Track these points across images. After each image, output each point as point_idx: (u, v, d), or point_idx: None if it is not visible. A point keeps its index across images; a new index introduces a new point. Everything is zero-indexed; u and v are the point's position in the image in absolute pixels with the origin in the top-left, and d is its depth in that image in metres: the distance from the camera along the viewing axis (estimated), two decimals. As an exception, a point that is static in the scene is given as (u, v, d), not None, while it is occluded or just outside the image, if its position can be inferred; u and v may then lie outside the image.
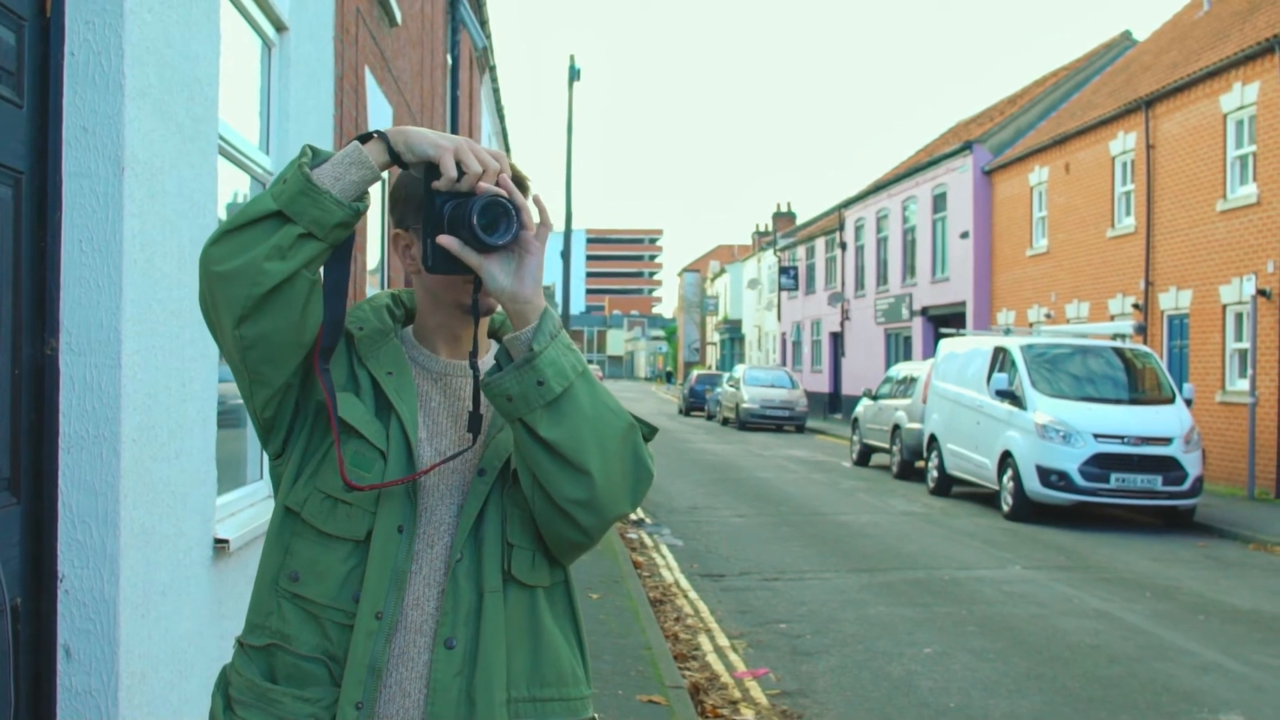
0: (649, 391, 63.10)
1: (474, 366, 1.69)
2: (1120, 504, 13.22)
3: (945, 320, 27.78)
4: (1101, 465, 12.90)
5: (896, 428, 18.36)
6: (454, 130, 12.35)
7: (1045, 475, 13.07)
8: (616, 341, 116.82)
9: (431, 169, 1.60)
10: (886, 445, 19.07)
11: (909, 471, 17.97)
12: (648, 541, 11.12)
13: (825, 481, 17.39)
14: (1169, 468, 12.89)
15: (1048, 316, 23.50)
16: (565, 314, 24.91)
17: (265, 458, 1.91)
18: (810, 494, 15.62)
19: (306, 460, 1.70)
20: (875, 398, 20.13)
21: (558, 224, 27.06)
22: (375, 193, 6.16)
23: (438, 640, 1.64)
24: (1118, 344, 15.08)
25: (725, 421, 32.62)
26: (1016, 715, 5.87)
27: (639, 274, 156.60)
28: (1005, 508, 13.72)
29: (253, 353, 1.62)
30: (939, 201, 29.11)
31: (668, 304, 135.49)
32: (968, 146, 27.32)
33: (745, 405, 30.24)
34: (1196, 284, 18.25)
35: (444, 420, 1.74)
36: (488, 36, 17.77)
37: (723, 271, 65.74)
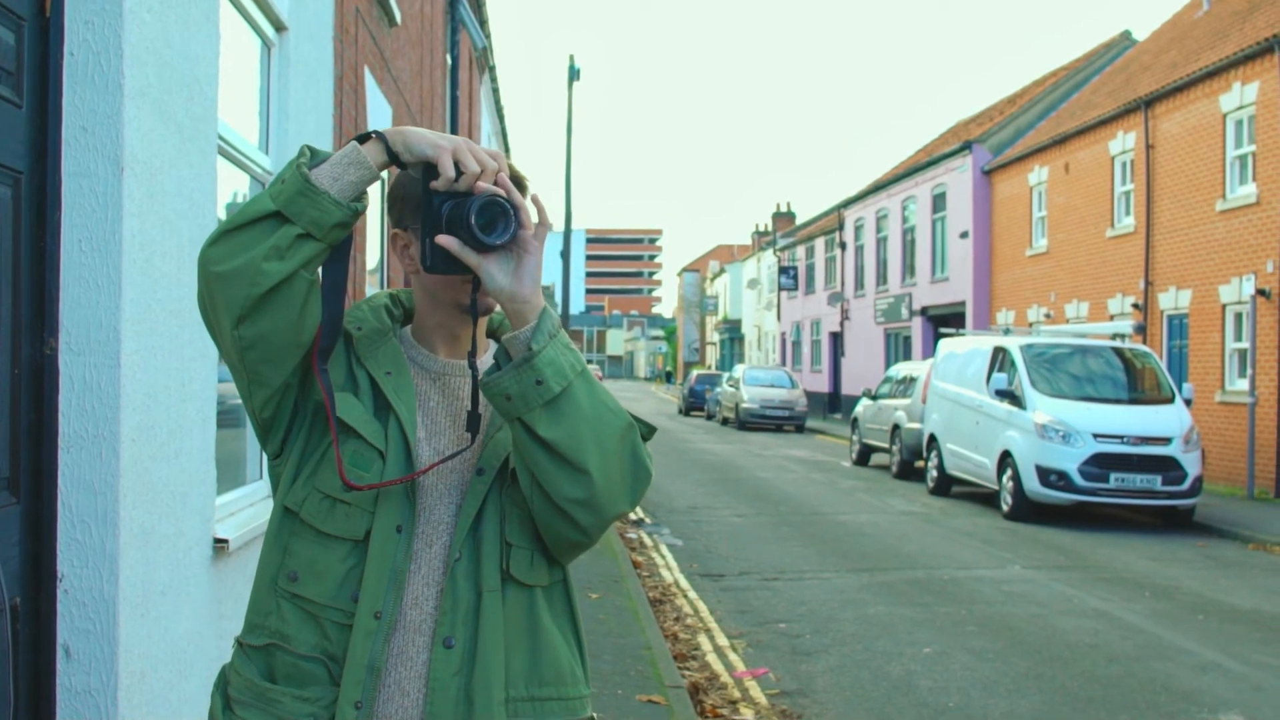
0: (648, 391, 63.09)
1: (473, 366, 1.69)
2: (1120, 504, 13.22)
3: (945, 320, 27.79)
4: (1101, 465, 12.91)
5: (896, 427, 18.36)
6: (454, 130, 12.36)
7: (1045, 475, 13.07)
8: (616, 341, 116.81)
9: (430, 169, 1.60)
10: (886, 445, 19.07)
11: (908, 471, 17.97)
12: (647, 541, 11.12)
13: (825, 481, 17.39)
14: (1168, 467, 12.89)
15: (1047, 316, 23.51)
16: (565, 314, 24.91)
17: (264, 457, 1.91)
18: (810, 494, 15.62)
19: (305, 460, 1.70)
20: (875, 397, 20.13)
21: (557, 224, 27.08)
22: (375, 193, 6.16)
23: (436, 639, 1.64)
24: (1117, 344, 15.07)
25: (725, 421, 32.63)
26: (1016, 715, 5.87)
27: (639, 274, 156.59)
28: (1005, 507, 13.72)
29: (251, 353, 1.62)
30: (939, 201, 29.12)
31: (667, 304, 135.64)
32: (967, 146, 27.33)
33: (745, 405, 30.25)
34: (1196, 284, 18.26)
35: (442, 420, 1.75)
36: (487, 36, 17.77)
37: (722, 271, 65.75)
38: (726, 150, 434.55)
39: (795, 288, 42.09)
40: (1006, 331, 16.47)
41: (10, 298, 2.48)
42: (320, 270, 1.66)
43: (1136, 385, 14.25)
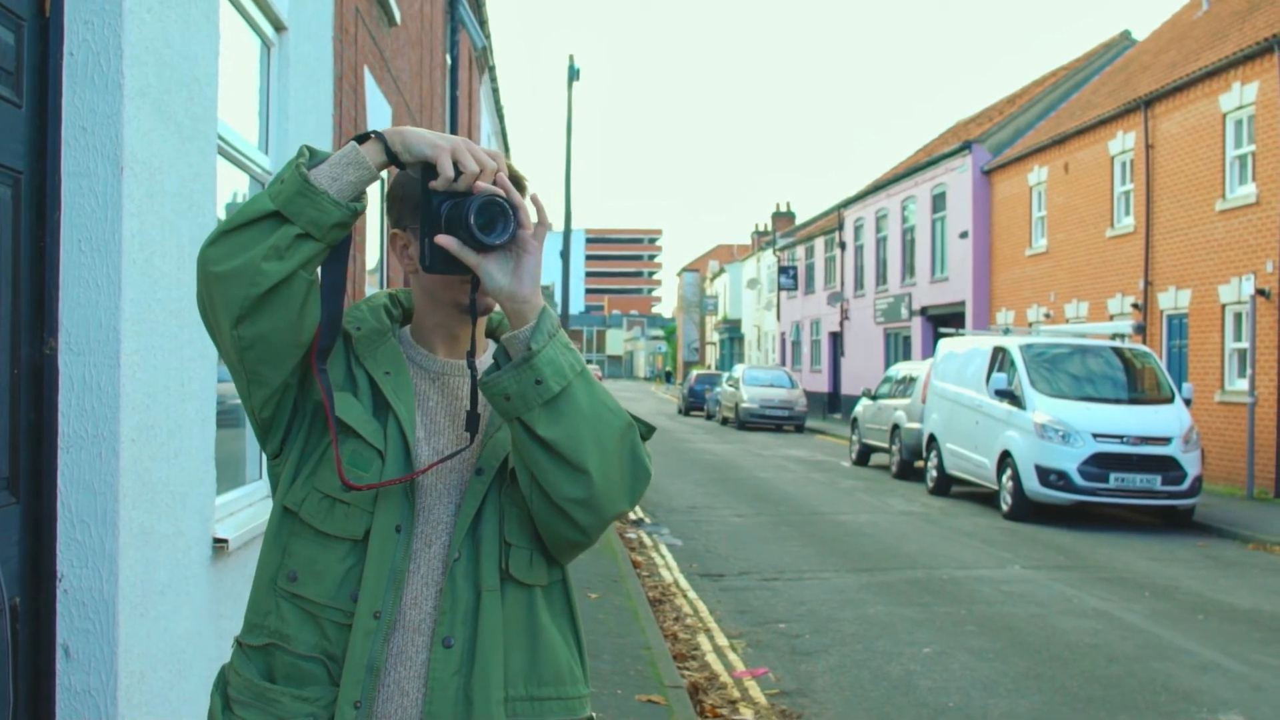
0: (648, 391, 63.10)
1: (471, 366, 1.69)
2: (1119, 504, 13.23)
3: (944, 320, 27.79)
4: (1100, 465, 12.91)
5: (896, 427, 18.36)
6: (453, 130, 12.35)
7: (1044, 475, 13.07)
8: (616, 341, 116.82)
9: (429, 169, 1.60)
10: (886, 445, 19.08)
11: (908, 471, 17.97)
12: (647, 541, 11.12)
13: (824, 481, 17.39)
14: (1168, 467, 12.90)
15: (1047, 316, 23.51)
16: (564, 314, 24.90)
17: (264, 457, 1.92)
18: (809, 494, 15.62)
19: (304, 460, 1.71)
20: (874, 397, 20.13)
21: (557, 223, 27.06)
22: (374, 193, 6.16)
23: (436, 639, 1.64)
24: (1117, 344, 15.08)
25: (724, 421, 32.63)
26: (1015, 715, 5.87)
27: (638, 274, 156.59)
28: (1004, 507, 13.72)
29: (250, 353, 1.62)
30: (938, 201, 29.12)
31: (667, 304, 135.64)
32: (967, 146, 27.33)
33: (744, 405, 30.25)
34: (1195, 284, 18.26)
35: (442, 419, 1.75)
36: (487, 36, 17.77)
37: (722, 271, 65.76)
38: (726, 150, 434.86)
39: (795, 288, 42.09)
40: (1006, 331, 16.48)
41: (10, 297, 2.48)
42: (319, 270, 1.66)
43: (1136, 385, 14.25)
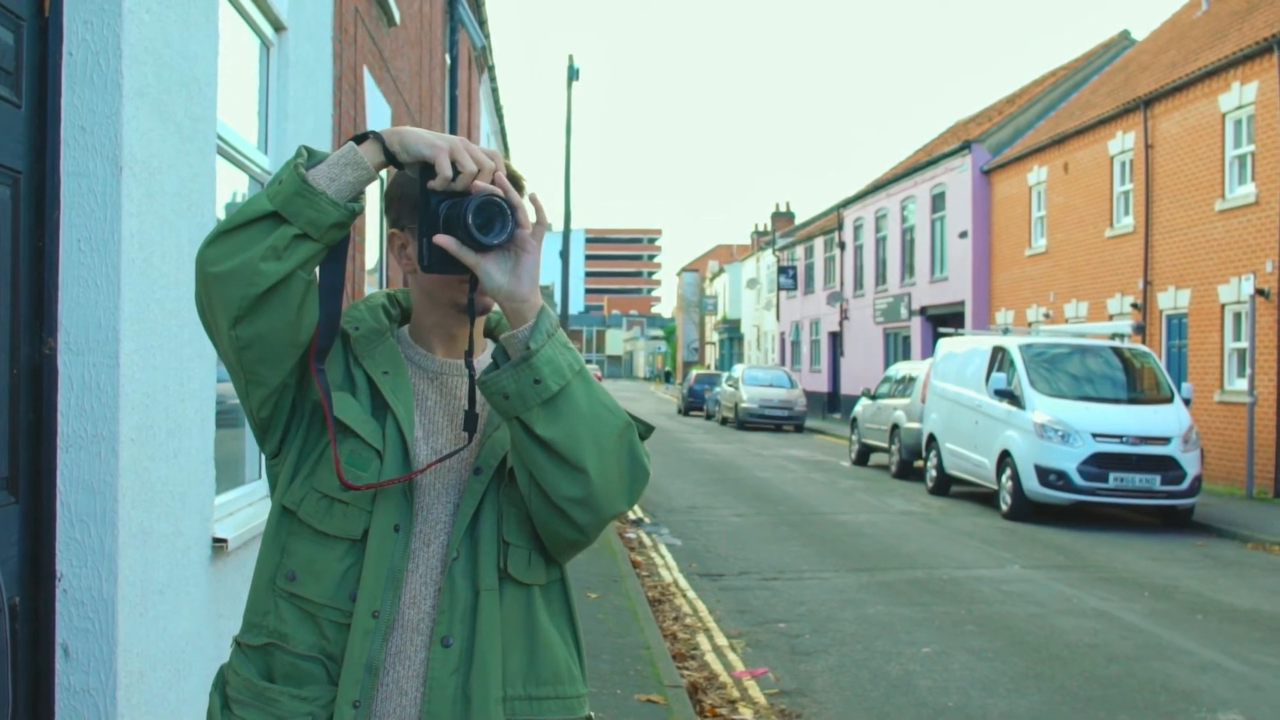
0: (648, 391, 63.09)
1: (470, 365, 1.69)
2: (1119, 503, 13.23)
3: (944, 320, 27.79)
4: (1100, 465, 12.91)
5: (895, 427, 18.37)
6: (452, 130, 12.35)
7: (1044, 475, 13.08)
8: (615, 341, 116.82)
9: (427, 169, 1.61)
10: (885, 445, 19.08)
11: (908, 471, 17.97)
12: (646, 541, 11.12)
13: (824, 481, 17.39)
14: (1167, 467, 12.90)
15: (1046, 316, 23.51)
16: (564, 313, 24.89)
17: (263, 457, 1.92)
18: (809, 493, 15.62)
19: (303, 460, 1.71)
20: (874, 397, 20.13)
21: (556, 223, 27.05)
22: (373, 193, 6.17)
23: (434, 638, 1.64)
24: (1116, 343, 15.08)
25: (724, 421, 32.63)
26: (1015, 714, 5.87)
27: (638, 274, 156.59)
28: (1004, 507, 13.73)
29: (249, 353, 1.62)
30: (938, 201, 29.12)
31: (667, 304, 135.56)
32: (966, 146, 27.33)
33: (744, 405, 30.25)
34: (1195, 284, 18.26)
35: (440, 419, 1.75)
36: (486, 36, 17.77)
37: (722, 271, 65.76)
38: (726, 150, 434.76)
39: (794, 287, 42.10)
40: (1005, 331, 16.48)
41: (9, 297, 2.48)
42: (317, 270, 1.66)
43: (1135, 385, 14.26)
